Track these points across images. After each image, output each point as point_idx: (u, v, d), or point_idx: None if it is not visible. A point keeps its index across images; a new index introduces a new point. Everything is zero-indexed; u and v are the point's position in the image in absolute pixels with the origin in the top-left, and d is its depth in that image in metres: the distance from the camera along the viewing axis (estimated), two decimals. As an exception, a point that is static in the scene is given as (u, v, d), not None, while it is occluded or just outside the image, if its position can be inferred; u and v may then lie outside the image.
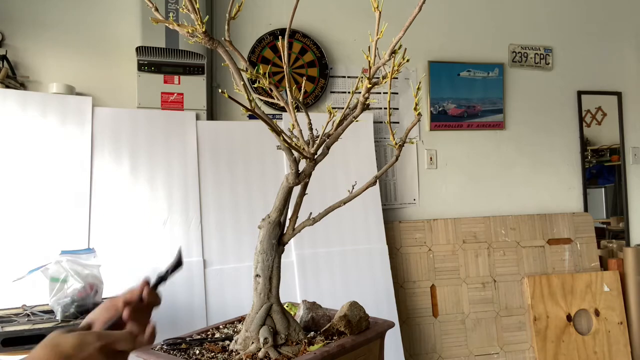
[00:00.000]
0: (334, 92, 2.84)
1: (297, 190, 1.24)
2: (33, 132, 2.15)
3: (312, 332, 1.24)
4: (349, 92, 2.84)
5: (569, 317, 2.86)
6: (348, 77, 2.87)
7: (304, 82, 2.71)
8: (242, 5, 1.08)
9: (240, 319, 1.38)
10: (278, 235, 1.21)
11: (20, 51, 2.34)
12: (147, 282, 0.91)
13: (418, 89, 1.16)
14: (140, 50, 2.37)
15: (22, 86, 2.30)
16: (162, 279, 0.95)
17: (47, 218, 2.11)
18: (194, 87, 2.46)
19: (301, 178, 1.18)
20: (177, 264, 1.00)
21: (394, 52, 1.03)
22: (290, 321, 1.18)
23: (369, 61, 1.04)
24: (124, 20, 2.48)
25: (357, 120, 1.17)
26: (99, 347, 0.71)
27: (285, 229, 1.24)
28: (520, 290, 2.89)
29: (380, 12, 1.00)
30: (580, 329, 2.88)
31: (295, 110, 1.11)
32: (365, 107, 1.13)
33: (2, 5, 2.29)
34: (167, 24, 1.06)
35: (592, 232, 3.09)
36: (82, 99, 2.29)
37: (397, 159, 1.22)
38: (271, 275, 1.18)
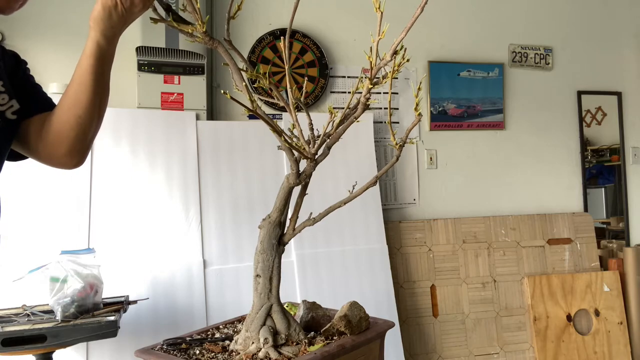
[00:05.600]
0: (334, 92, 2.84)
1: (297, 190, 1.24)
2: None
3: (312, 332, 1.24)
4: (349, 92, 2.84)
5: (569, 317, 2.86)
6: (348, 77, 2.87)
7: (305, 82, 2.71)
8: (242, 5, 1.08)
9: (240, 319, 1.38)
10: (278, 235, 1.21)
11: (20, 51, 2.32)
12: None
13: (419, 89, 1.16)
14: (140, 50, 2.36)
15: (22, 86, 2.29)
16: None
17: (47, 218, 2.11)
18: (194, 87, 2.46)
19: (302, 178, 1.18)
20: None
21: (395, 53, 1.03)
22: (291, 321, 1.18)
23: (371, 62, 1.04)
24: (124, 20, 2.47)
25: (357, 121, 1.17)
26: None
27: (286, 229, 1.24)
28: (520, 290, 2.89)
29: (382, 13, 1.00)
30: (580, 329, 2.88)
31: (296, 110, 1.11)
32: (366, 107, 1.13)
33: (2, 5, 2.28)
34: (167, 24, 1.06)
35: (592, 232, 3.09)
36: (82, 98, 2.28)
37: (397, 159, 1.22)
38: (271, 275, 1.18)
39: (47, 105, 1.09)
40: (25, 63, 1.14)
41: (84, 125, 1.04)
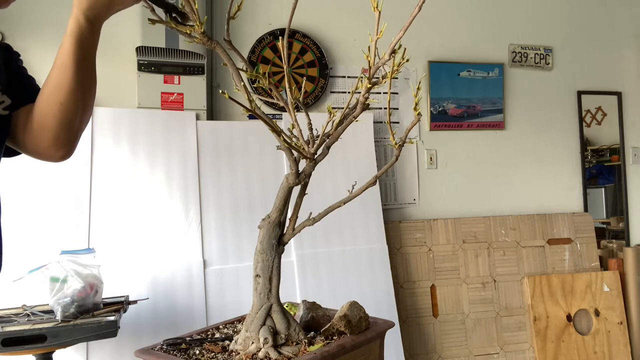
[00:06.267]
0: (334, 92, 2.84)
1: (297, 190, 1.24)
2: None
3: (312, 332, 1.24)
4: (349, 92, 2.84)
5: (569, 317, 2.86)
6: (348, 77, 2.87)
7: (304, 82, 2.71)
8: (242, 5, 1.08)
9: (240, 319, 1.38)
10: (278, 235, 1.21)
11: (20, 51, 2.33)
12: None
13: (418, 89, 1.16)
14: (140, 50, 2.37)
15: (22, 86, 2.29)
16: None
17: (47, 218, 2.11)
18: (194, 87, 2.46)
19: (301, 178, 1.18)
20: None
21: (394, 52, 1.03)
22: (290, 321, 1.18)
23: (369, 61, 1.04)
24: (124, 20, 2.48)
25: (357, 120, 1.17)
26: None
27: (285, 228, 1.24)
28: (520, 290, 2.89)
29: (379, 12, 1.00)
30: (580, 329, 2.88)
31: (295, 110, 1.11)
32: (365, 107, 1.13)
33: (2, 5, 2.28)
34: (165, 25, 1.06)
35: (592, 232, 3.09)
36: (82, 99, 2.28)
37: (397, 159, 1.22)
38: (271, 275, 1.18)
39: (35, 95, 1.03)
40: (18, 54, 1.10)
41: (68, 113, 0.97)
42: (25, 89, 1.04)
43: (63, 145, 1.01)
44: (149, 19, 1.07)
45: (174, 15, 1.08)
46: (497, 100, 3.10)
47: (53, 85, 0.98)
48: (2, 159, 1.04)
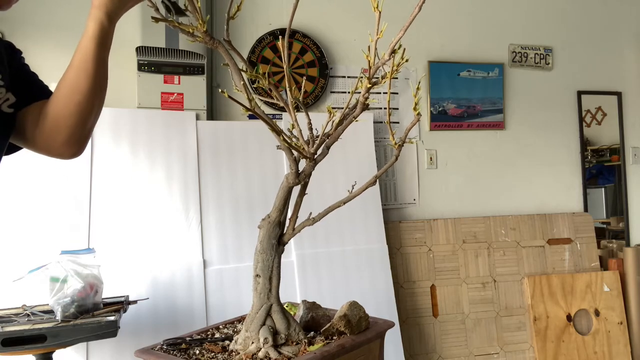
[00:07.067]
0: (334, 92, 2.84)
1: (297, 190, 1.24)
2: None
3: (312, 332, 1.24)
4: (349, 92, 2.84)
5: (569, 317, 2.86)
6: (348, 77, 2.87)
7: (303, 82, 2.71)
8: (242, 5, 1.08)
9: (240, 319, 1.38)
10: (278, 235, 1.21)
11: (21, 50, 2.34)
12: None
13: (417, 88, 1.16)
14: (140, 50, 2.36)
15: (22, 86, 2.29)
16: None
17: (47, 218, 2.11)
18: (194, 87, 2.46)
19: (301, 178, 1.18)
20: None
21: (393, 52, 1.03)
22: (290, 321, 1.18)
23: (369, 61, 1.04)
24: (124, 20, 2.47)
25: (356, 120, 1.18)
26: None
27: (285, 228, 1.24)
28: (520, 290, 2.89)
29: (380, 12, 1.00)
30: (580, 329, 2.88)
31: (295, 110, 1.11)
32: (365, 107, 1.13)
33: (2, 5, 2.28)
34: (167, 24, 1.06)
35: (592, 232, 3.09)
36: (82, 99, 2.28)
37: (396, 159, 1.22)
38: (271, 275, 1.18)
39: (43, 93, 1.05)
40: (20, 52, 1.10)
41: (84, 112, 1.00)
42: (29, 86, 1.05)
43: (76, 143, 1.03)
44: (152, 17, 1.07)
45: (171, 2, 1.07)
46: (497, 100, 3.10)
47: (71, 85, 0.99)
48: (4, 157, 1.04)
